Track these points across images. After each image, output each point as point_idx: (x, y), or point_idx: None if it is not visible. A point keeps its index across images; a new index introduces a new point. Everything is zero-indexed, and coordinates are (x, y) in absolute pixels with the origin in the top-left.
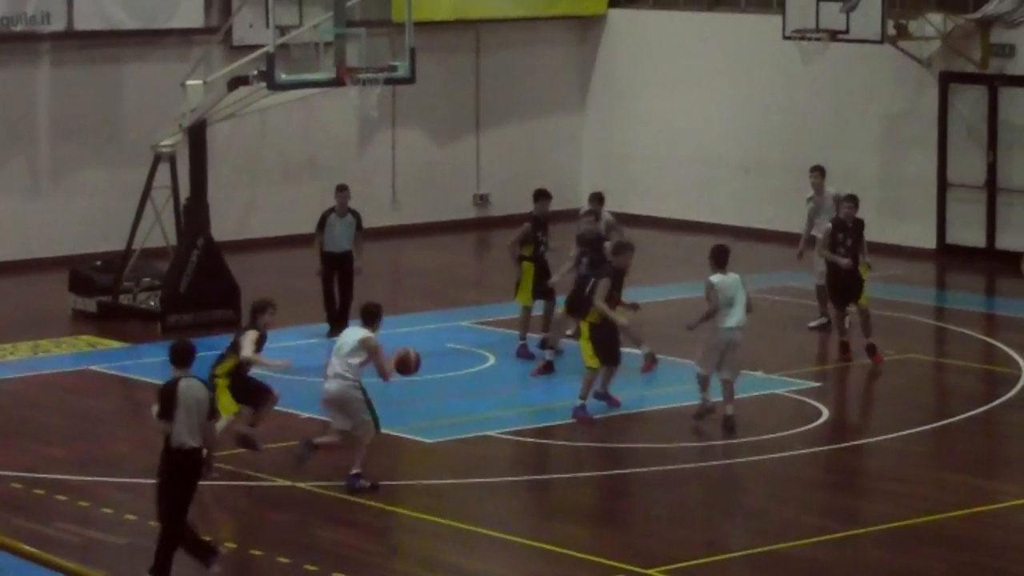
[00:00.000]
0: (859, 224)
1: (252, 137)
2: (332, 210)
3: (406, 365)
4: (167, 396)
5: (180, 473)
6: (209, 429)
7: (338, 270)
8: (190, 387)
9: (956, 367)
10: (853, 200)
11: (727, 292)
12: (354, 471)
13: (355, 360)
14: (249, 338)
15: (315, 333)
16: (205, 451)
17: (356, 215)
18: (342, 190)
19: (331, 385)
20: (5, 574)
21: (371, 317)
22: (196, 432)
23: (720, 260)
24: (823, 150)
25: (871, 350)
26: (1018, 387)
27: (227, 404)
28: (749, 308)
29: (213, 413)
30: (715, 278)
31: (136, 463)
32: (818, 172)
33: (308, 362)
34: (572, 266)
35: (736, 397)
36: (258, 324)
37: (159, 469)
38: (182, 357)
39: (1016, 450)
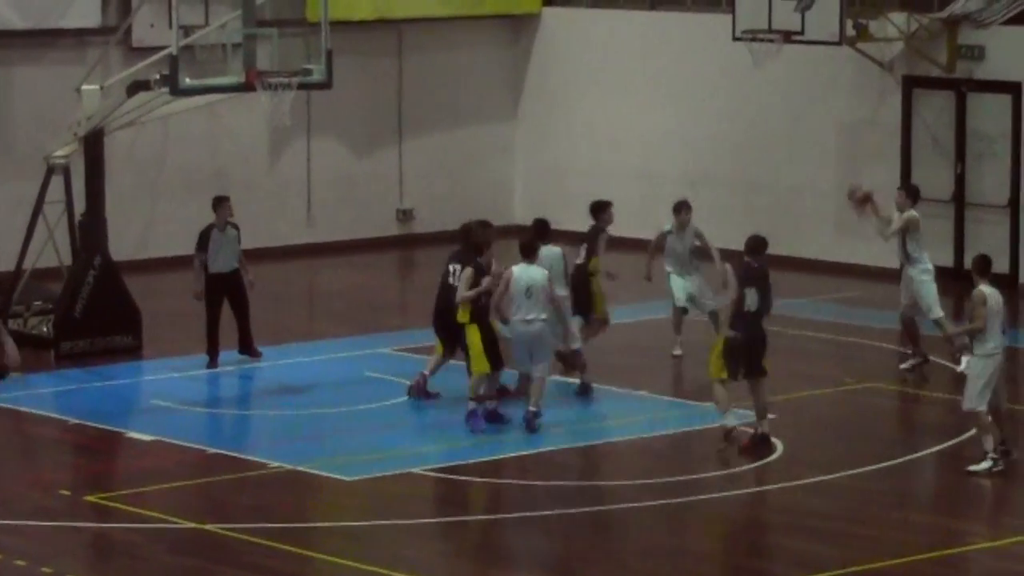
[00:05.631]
0: (760, 273)
1: (153, 147)
2: (212, 226)
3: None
4: None
5: None
6: None
7: (228, 292)
8: None
9: (922, 397)
10: (755, 243)
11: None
12: (533, 408)
13: (544, 299)
14: (465, 278)
15: (226, 361)
16: None
17: (236, 228)
18: (222, 201)
19: (535, 327)
20: None
21: (530, 251)
22: None
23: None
24: (776, 161)
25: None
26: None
27: (480, 361)
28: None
29: None
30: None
31: (26, 504)
32: (903, 192)
33: (216, 393)
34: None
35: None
36: (479, 259)
37: None
38: None
39: (987, 488)
